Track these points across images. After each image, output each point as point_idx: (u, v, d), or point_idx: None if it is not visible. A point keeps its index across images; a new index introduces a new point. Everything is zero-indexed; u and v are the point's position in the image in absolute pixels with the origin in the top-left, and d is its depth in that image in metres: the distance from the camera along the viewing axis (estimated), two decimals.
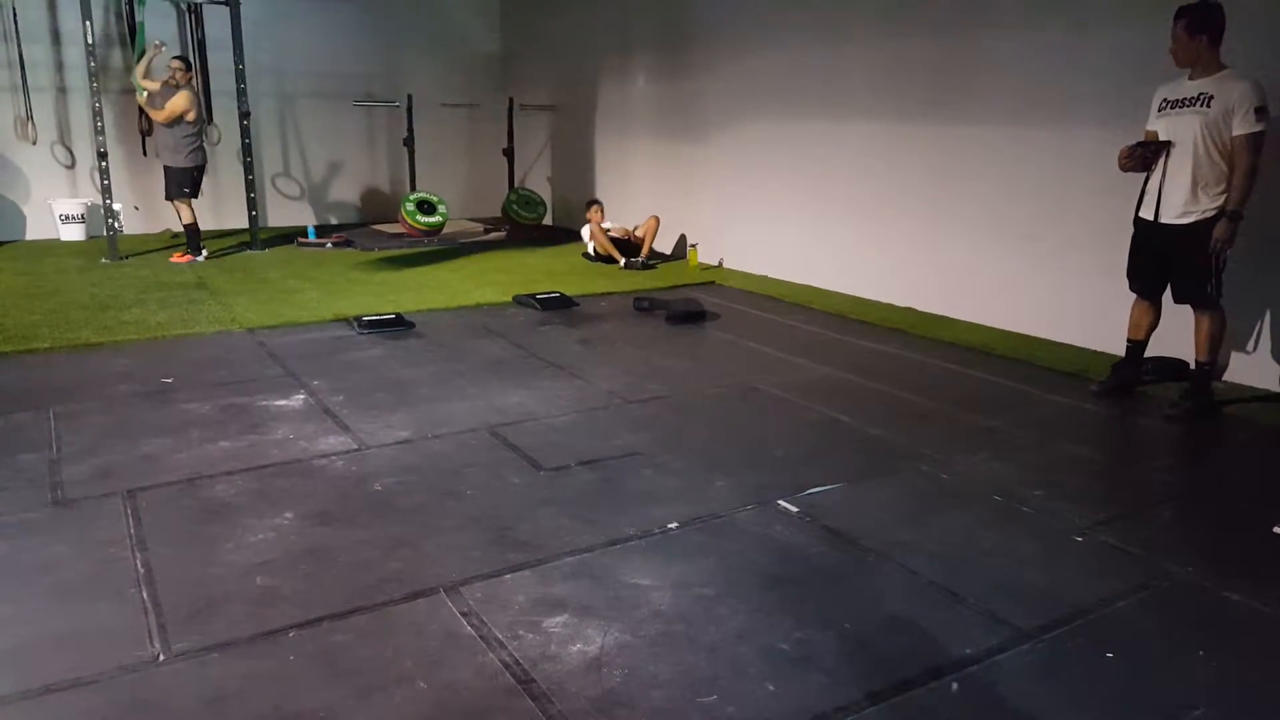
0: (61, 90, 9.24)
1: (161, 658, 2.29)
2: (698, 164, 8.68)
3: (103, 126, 8.01)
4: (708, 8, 8.29)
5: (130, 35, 9.11)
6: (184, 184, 8.07)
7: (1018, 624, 2.51)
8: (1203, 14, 4.12)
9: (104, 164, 8.08)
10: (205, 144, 8.39)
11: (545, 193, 11.08)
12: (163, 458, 3.61)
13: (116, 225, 8.21)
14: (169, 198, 8.14)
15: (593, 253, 8.64)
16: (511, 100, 10.79)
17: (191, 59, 9.34)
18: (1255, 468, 3.89)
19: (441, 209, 9.62)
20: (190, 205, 8.15)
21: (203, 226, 8.48)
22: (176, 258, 8.12)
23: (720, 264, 8.47)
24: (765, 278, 7.88)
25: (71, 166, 9.44)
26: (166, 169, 8.05)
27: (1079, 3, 5.34)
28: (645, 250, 8.49)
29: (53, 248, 8.75)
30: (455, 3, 11.34)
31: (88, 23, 7.80)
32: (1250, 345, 4.77)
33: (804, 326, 6.18)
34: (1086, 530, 3.12)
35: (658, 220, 8.66)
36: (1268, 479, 3.38)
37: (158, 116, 7.89)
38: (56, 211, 9.17)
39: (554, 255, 9.00)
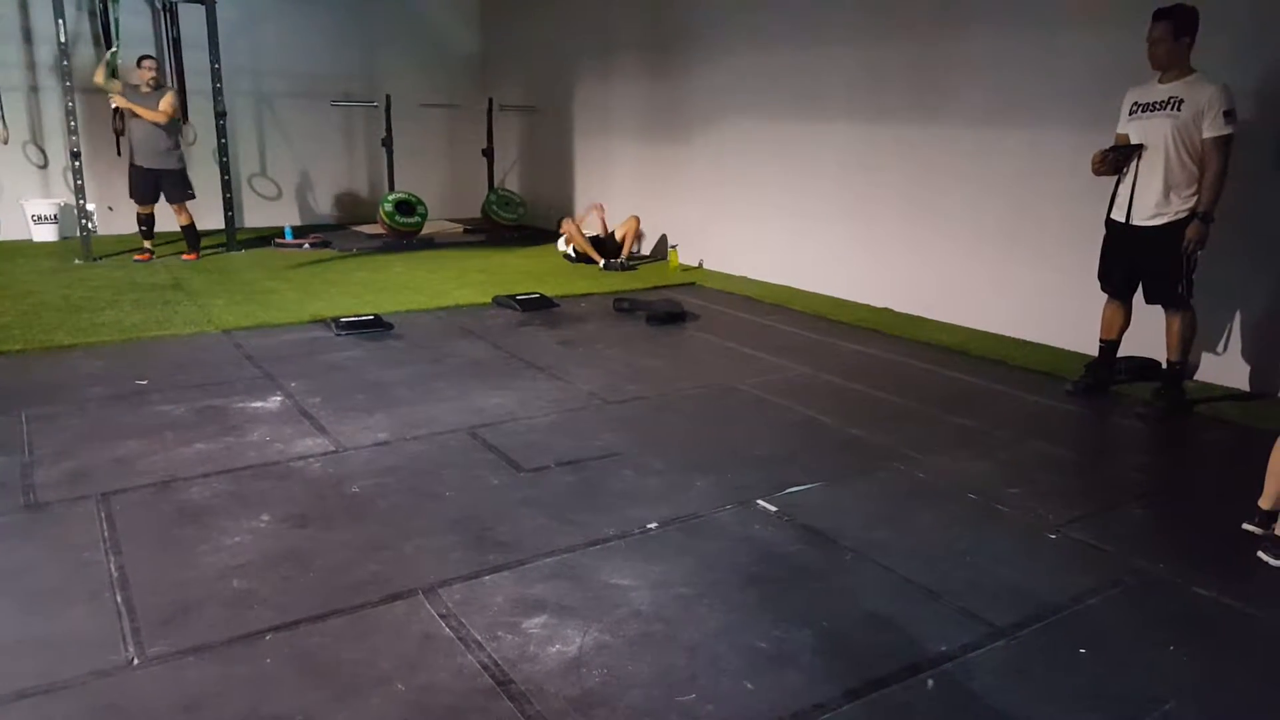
0: (34, 89, 9.13)
1: (136, 662, 2.27)
2: (678, 165, 8.70)
3: (76, 126, 7.92)
4: (688, 9, 8.31)
5: (104, 34, 9.02)
6: (188, 185, 8.05)
7: (992, 621, 2.54)
8: (1186, 16, 4.16)
9: (77, 164, 7.99)
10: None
11: (525, 193, 11.07)
12: (137, 460, 3.57)
13: (90, 226, 8.13)
14: (173, 200, 7.99)
15: (573, 253, 8.64)
16: (491, 100, 10.77)
17: (166, 58, 9.27)
18: (1226, 465, 3.95)
19: (420, 209, 9.58)
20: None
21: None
22: (140, 257, 8.06)
23: (700, 265, 8.49)
24: (745, 278, 7.90)
25: (44, 166, 9.32)
26: (163, 173, 7.88)
27: (1054, 6, 5.40)
28: (625, 251, 8.52)
29: (25, 248, 8.64)
30: (434, 3, 11.30)
31: (60, 21, 7.72)
32: (1221, 345, 4.84)
33: (783, 327, 6.21)
34: (1060, 528, 3.16)
35: (638, 220, 8.68)
36: (1238, 476, 3.43)
37: (158, 118, 7.71)
38: (29, 212, 9.05)
39: (534, 256, 8.99)
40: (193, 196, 8.12)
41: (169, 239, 8.57)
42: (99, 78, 7.99)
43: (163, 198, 8.05)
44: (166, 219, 8.24)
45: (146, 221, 8.12)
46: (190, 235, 8.19)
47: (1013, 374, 5.09)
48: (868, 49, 6.60)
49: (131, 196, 8.07)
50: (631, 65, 9.16)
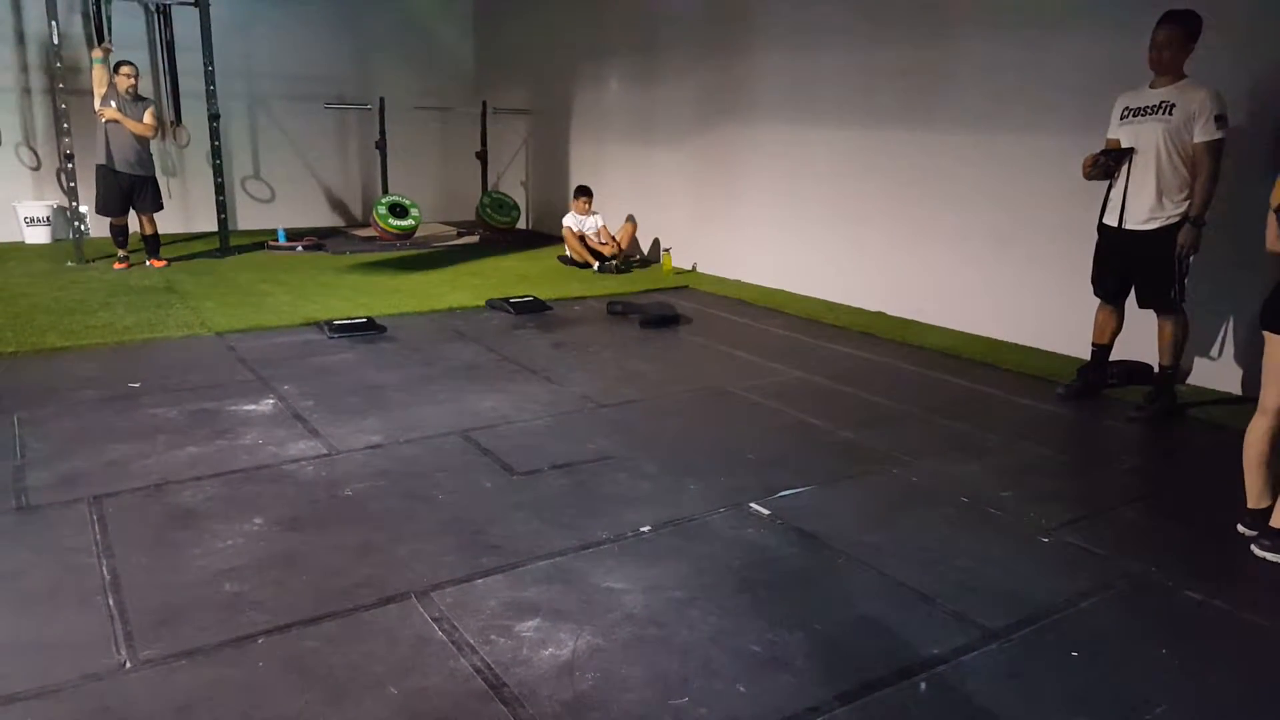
0: (26, 91, 9.12)
1: (128, 665, 2.26)
2: (672, 168, 8.70)
3: (69, 128, 7.89)
4: (679, 14, 8.33)
5: (98, 36, 8.99)
6: (160, 195, 7.91)
7: (985, 624, 2.55)
8: (1197, 23, 4.15)
9: (70, 166, 7.96)
10: None
11: (519, 196, 11.07)
12: (129, 463, 3.56)
13: (83, 228, 8.09)
14: (145, 210, 7.77)
15: (568, 254, 8.64)
16: (485, 104, 10.78)
17: (160, 61, 9.24)
18: (1217, 469, 3.94)
19: (414, 212, 9.58)
20: None
21: (173, 229, 8.28)
22: (119, 265, 7.83)
23: (694, 268, 8.50)
24: (738, 282, 7.91)
25: (37, 168, 9.30)
26: (139, 180, 7.71)
27: (1045, 11, 5.42)
28: (617, 253, 8.49)
29: (17, 251, 8.61)
30: (427, 6, 11.30)
31: (53, 23, 7.69)
32: (1215, 350, 4.86)
33: (776, 330, 6.21)
34: (1052, 531, 3.17)
35: (635, 224, 8.69)
36: (1229, 480, 3.44)
37: (145, 131, 7.59)
38: (21, 214, 9.02)
39: (528, 259, 8.99)
40: (162, 206, 7.94)
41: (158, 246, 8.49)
42: (97, 54, 7.76)
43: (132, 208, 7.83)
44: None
45: (121, 232, 7.88)
46: (154, 243, 7.94)
47: (1005, 378, 5.10)
48: (860, 53, 6.62)
49: (100, 210, 7.79)
50: (624, 69, 9.18)
